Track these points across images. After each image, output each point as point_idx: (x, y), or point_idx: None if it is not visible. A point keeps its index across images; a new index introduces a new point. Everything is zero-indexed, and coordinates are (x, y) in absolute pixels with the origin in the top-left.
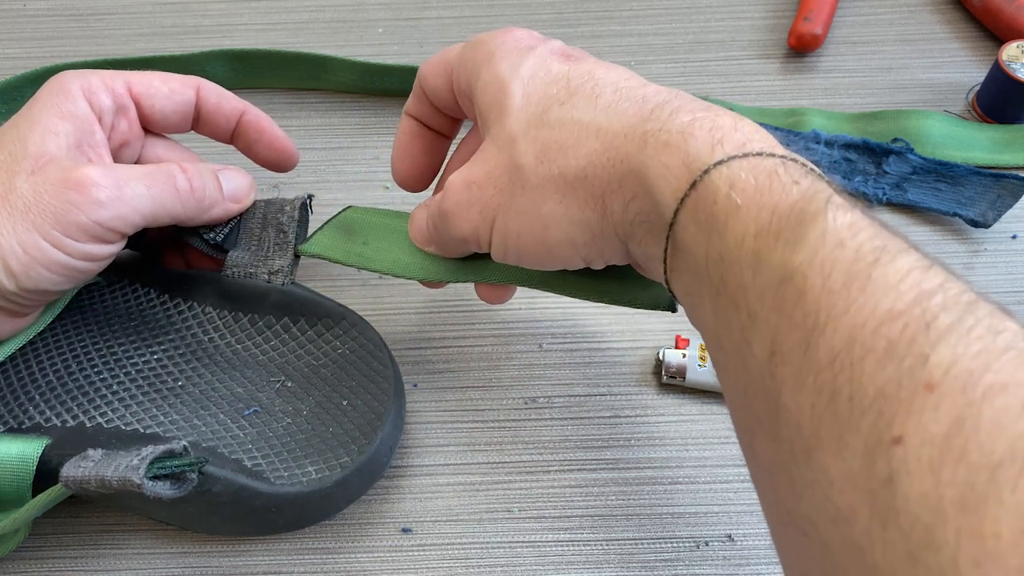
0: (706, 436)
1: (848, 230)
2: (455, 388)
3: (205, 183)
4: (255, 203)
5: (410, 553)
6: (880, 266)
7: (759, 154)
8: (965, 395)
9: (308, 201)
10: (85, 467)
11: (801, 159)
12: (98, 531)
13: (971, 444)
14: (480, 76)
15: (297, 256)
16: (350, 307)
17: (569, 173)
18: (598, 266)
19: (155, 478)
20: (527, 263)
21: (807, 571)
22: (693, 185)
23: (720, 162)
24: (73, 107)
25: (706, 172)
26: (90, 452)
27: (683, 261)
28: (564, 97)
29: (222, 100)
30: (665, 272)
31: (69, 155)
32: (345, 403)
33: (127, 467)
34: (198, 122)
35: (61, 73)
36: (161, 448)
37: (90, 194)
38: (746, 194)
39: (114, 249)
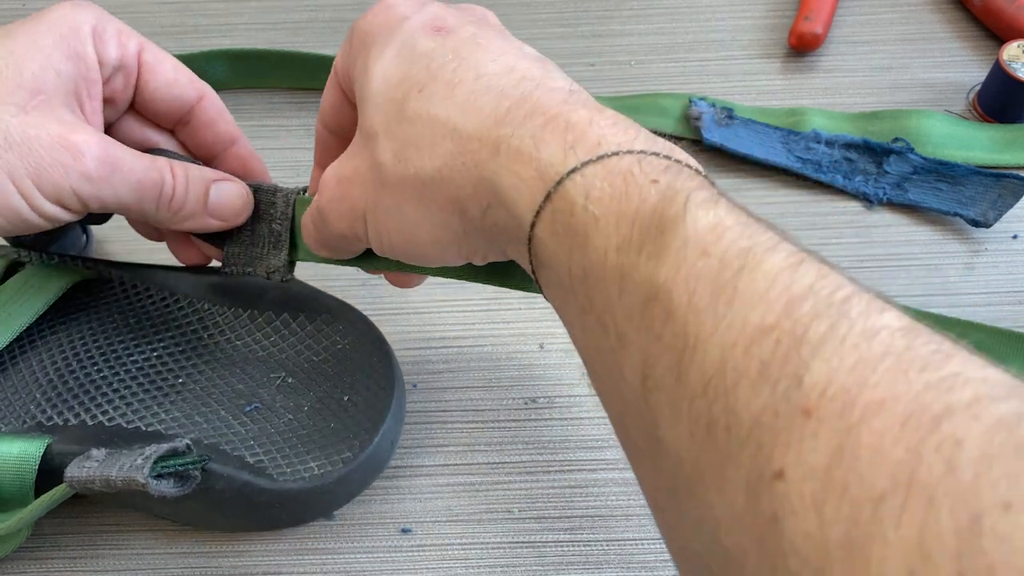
0: None
1: (711, 234)
2: (455, 388)
3: (188, 194)
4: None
5: (410, 553)
6: (746, 272)
7: (615, 154)
8: (843, 419)
9: (298, 195)
10: (89, 467)
11: (662, 144)
12: (97, 531)
13: (851, 476)
14: (355, 65)
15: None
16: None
17: (425, 175)
18: (479, 263)
19: (159, 477)
20: (406, 259)
21: None
22: (548, 197)
23: (574, 170)
24: (81, 48)
25: (559, 183)
26: (93, 452)
27: (548, 276)
28: (424, 81)
29: (219, 119)
30: (538, 284)
31: (66, 101)
32: (346, 398)
33: (131, 467)
34: (183, 128)
35: (73, 3)
36: (165, 447)
37: (83, 163)
38: (603, 204)
39: (70, 218)
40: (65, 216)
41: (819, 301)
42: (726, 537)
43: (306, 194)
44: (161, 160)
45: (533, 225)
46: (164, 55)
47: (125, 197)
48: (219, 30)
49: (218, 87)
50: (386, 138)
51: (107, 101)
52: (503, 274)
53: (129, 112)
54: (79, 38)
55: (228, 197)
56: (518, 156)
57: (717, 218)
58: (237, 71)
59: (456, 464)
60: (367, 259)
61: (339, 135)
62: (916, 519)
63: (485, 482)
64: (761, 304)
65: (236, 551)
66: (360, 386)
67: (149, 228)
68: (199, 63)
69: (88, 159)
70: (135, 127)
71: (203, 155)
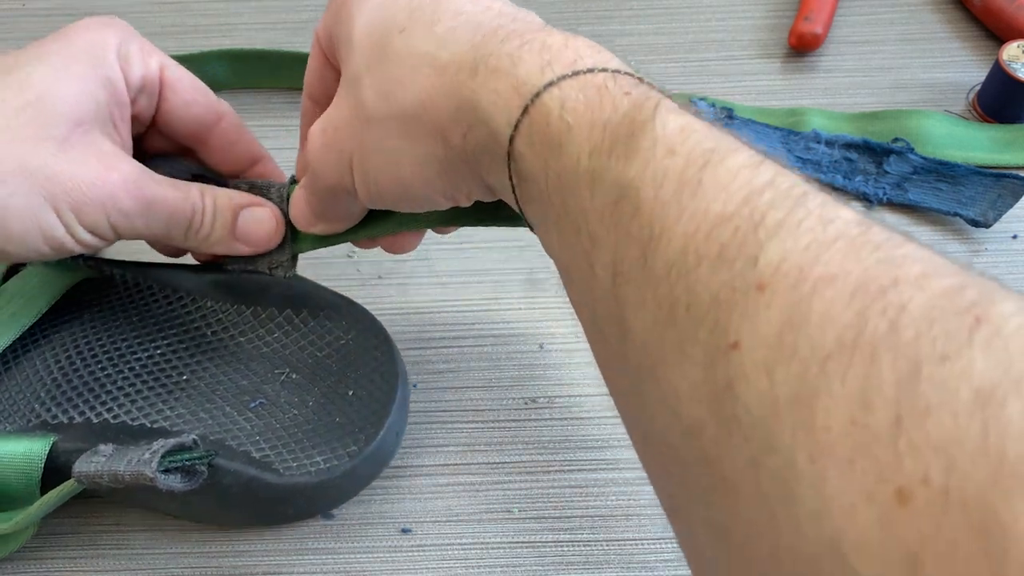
0: None
1: (679, 135)
2: (455, 388)
3: (216, 225)
4: (239, 184)
5: (410, 553)
6: (710, 168)
7: (590, 71)
8: (795, 291)
9: (290, 188)
10: (97, 462)
11: (633, 71)
12: (98, 531)
13: (801, 340)
14: (339, 23)
15: (294, 253)
16: None
17: (408, 108)
18: (464, 203)
19: (167, 471)
20: (394, 205)
21: (672, 493)
22: (525, 110)
23: (550, 83)
24: (112, 73)
25: (537, 95)
26: (101, 447)
27: (527, 190)
28: (404, 23)
29: (239, 140)
30: (517, 202)
31: (104, 129)
32: (351, 393)
33: (139, 461)
34: (202, 147)
35: (99, 21)
36: (172, 441)
37: (121, 202)
38: (577, 113)
39: (104, 245)
40: (99, 244)
41: (778, 193)
42: (685, 409)
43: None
44: (194, 190)
45: (512, 139)
46: (184, 72)
47: (156, 228)
48: (219, 30)
49: (218, 87)
50: (369, 78)
51: (134, 118)
52: (492, 213)
53: (151, 128)
54: (108, 62)
55: (257, 225)
56: (495, 74)
57: (685, 122)
58: (237, 71)
59: (456, 464)
60: (359, 229)
61: (324, 105)
62: (859, 373)
63: (485, 482)
64: (722, 195)
65: (236, 551)
66: (364, 380)
67: (171, 248)
68: (199, 63)
69: (126, 198)
70: (157, 140)
71: (225, 174)
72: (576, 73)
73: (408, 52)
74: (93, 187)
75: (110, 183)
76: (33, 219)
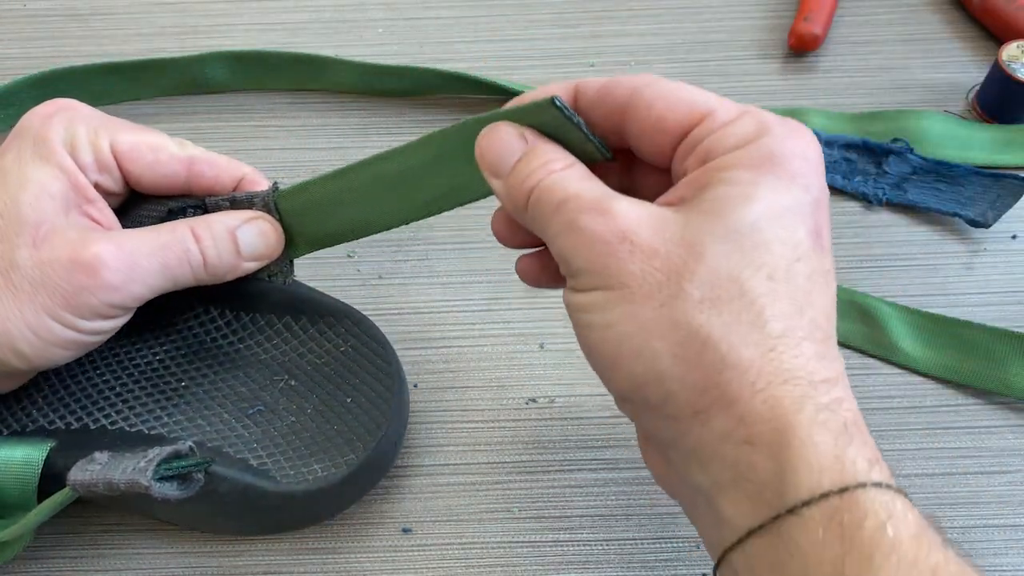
0: None
1: None
2: (455, 388)
3: (220, 252)
4: (220, 202)
5: (410, 553)
6: None
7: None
8: None
9: (274, 195)
10: (92, 470)
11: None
12: (98, 531)
13: None
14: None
15: (291, 259)
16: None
17: (712, 350)
18: (633, 417)
19: (163, 479)
20: (585, 345)
21: None
22: (843, 490)
23: (879, 484)
24: (62, 162)
25: (861, 485)
26: (96, 455)
27: (780, 561)
28: (772, 285)
29: (219, 175)
30: (723, 536)
31: (70, 220)
32: (349, 400)
33: (134, 469)
34: (190, 192)
35: (40, 113)
36: (168, 449)
37: (101, 278)
38: (901, 535)
39: (124, 321)
40: (115, 323)
41: None
42: None
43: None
44: (180, 227)
45: (808, 503)
46: (138, 137)
47: (159, 283)
48: (219, 30)
49: (218, 89)
50: (724, 265)
51: (108, 194)
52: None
53: (132, 192)
54: (55, 153)
55: (258, 238)
56: (824, 428)
57: None
58: (236, 73)
59: (456, 464)
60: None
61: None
62: None
63: (485, 482)
64: None
65: (236, 551)
66: (363, 388)
67: None
68: (199, 65)
69: (104, 271)
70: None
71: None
72: (899, 491)
73: (761, 300)
74: (70, 275)
75: (82, 266)
76: (38, 334)
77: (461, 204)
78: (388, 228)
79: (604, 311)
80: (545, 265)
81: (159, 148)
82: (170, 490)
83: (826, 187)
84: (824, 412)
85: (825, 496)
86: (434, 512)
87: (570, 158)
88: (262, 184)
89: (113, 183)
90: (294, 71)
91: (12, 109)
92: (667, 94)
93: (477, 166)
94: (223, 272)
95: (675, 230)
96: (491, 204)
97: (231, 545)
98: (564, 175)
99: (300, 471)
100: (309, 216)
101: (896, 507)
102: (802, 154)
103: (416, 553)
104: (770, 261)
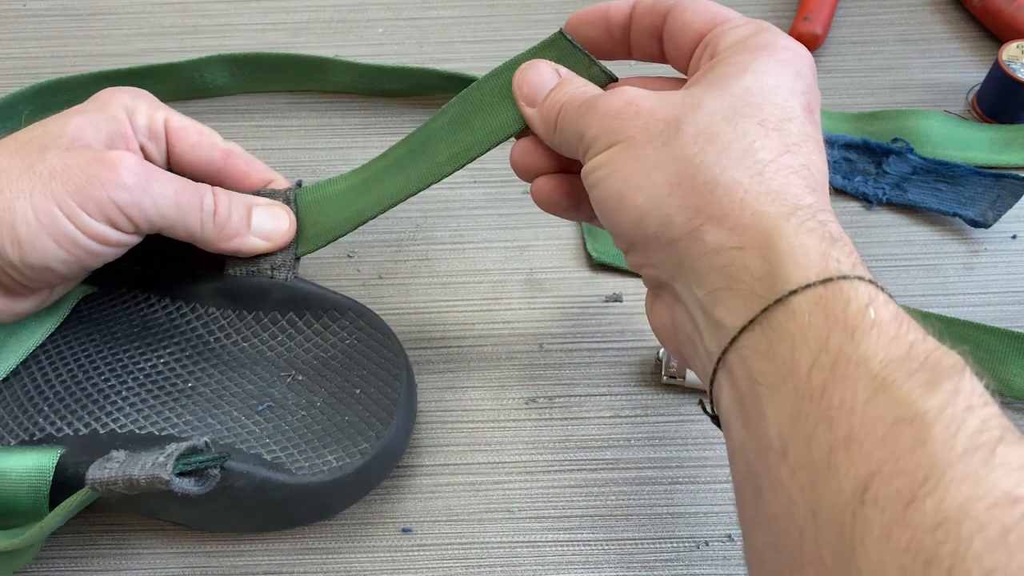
0: (706, 436)
1: (979, 399)
2: (455, 388)
3: (232, 212)
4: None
5: (410, 553)
6: (1005, 445)
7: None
8: None
9: (295, 194)
10: (111, 468)
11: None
12: (98, 531)
13: None
14: (730, 33)
15: (297, 255)
16: None
17: (705, 173)
18: (640, 263)
19: (180, 475)
20: (596, 198)
21: None
22: (827, 280)
23: (861, 278)
24: (116, 114)
25: (844, 277)
26: (114, 453)
27: (771, 347)
28: (763, 130)
29: (250, 171)
30: (719, 341)
31: (105, 144)
32: (358, 391)
33: (154, 464)
34: (222, 182)
35: (119, 88)
36: (184, 445)
37: (118, 174)
38: (882, 316)
39: (124, 239)
40: (115, 235)
41: None
42: None
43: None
44: (202, 185)
45: (795, 292)
46: (189, 122)
47: (166, 210)
48: (219, 30)
49: (218, 93)
50: (704, 119)
51: (154, 162)
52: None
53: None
54: (112, 108)
55: (272, 220)
56: (810, 234)
57: (983, 391)
58: (236, 76)
59: (456, 464)
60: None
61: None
62: None
63: (485, 482)
64: (1014, 475)
65: (236, 551)
66: (371, 377)
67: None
68: (198, 70)
69: (123, 170)
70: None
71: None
72: (884, 290)
73: (752, 146)
74: (89, 167)
75: (105, 161)
76: (39, 218)
77: (481, 154)
78: (404, 198)
79: (612, 163)
80: (558, 186)
81: (205, 133)
82: (189, 486)
83: (816, 86)
84: (810, 222)
85: (811, 286)
86: (434, 512)
87: (591, 85)
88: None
89: (158, 153)
90: (294, 73)
91: (11, 123)
92: (697, 4)
93: (503, 108)
94: (231, 232)
95: (677, 98)
96: (492, 204)
97: (231, 545)
98: (587, 88)
99: (315, 463)
100: (328, 205)
101: (878, 297)
102: (795, 50)
103: (416, 553)
104: (761, 115)
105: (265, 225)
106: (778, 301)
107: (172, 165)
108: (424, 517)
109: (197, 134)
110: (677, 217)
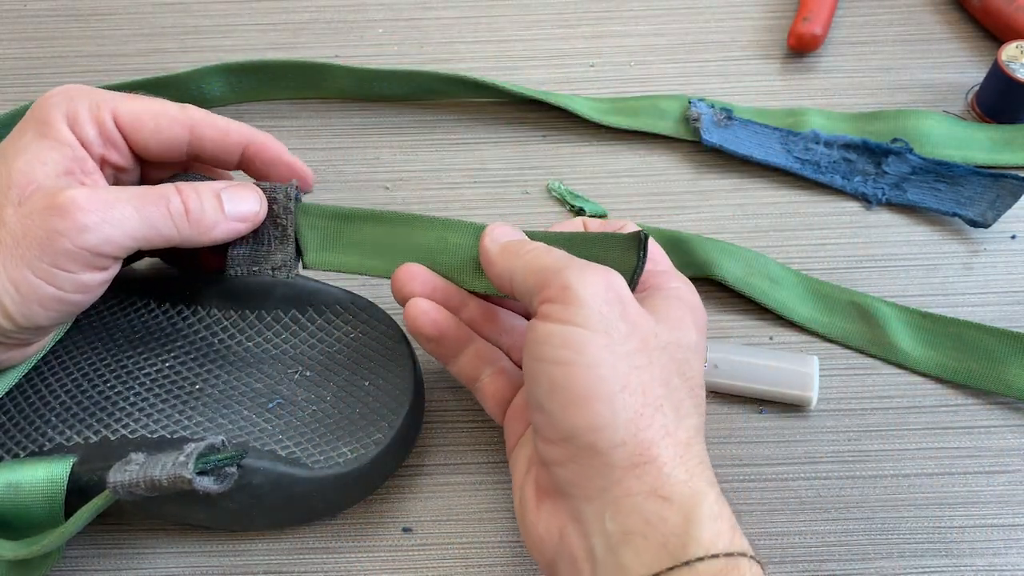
0: (705, 436)
1: None
2: (455, 388)
3: (203, 204)
4: None
5: (410, 553)
6: None
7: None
8: None
9: (296, 191)
10: (131, 470)
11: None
12: (98, 531)
13: None
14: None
15: (299, 252)
16: None
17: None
18: (560, 460)
19: (200, 473)
20: (547, 378)
21: None
22: (729, 555)
23: (753, 557)
24: (61, 136)
25: (743, 554)
26: (133, 456)
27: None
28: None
29: (223, 138)
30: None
31: (58, 182)
32: (367, 383)
33: (175, 464)
34: (197, 158)
35: (45, 96)
36: (203, 444)
37: (74, 219)
38: None
39: (107, 276)
40: (97, 277)
41: None
42: None
43: None
44: (164, 186)
45: (699, 559)
46: (138, 106)
47: (135, 231)
48: (219, 30)
49: (216, 104)
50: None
51: (120, 170)
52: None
53: (145, 164)
54: (55, 129)
55: (242, 199)
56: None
57: None
58: (233, 86)
59: (457, 463)
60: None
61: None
62: None
63: (486, 481)
64: None
65: (236, 550)
66: (379, 369)
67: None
68: (195, 81)
69: (77, 213)
70: (156, 172)
71: (229, 168)
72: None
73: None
74: (44, 221)
75: (55, 208)
76: (19, 289)
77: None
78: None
79: (581, 350)
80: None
81: (159, 114)
82: (209, 484)
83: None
84: (720, 496)
85: (717, 556)
86: (434, 512)
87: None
88: (273, 150)
89: (120, 156)
90: (292, 81)
91: None
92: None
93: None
94: (208, 224)
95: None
96: (492, 204)
97: (231, 545)
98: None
99: (329, 456)
100: (325, 229)
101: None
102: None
103: (416, 553)
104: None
105: (239, 208)
106: (687, 563)
107: (140, 156)
108: (425, 517)
109: (152, 118)
110: (630, 447)
